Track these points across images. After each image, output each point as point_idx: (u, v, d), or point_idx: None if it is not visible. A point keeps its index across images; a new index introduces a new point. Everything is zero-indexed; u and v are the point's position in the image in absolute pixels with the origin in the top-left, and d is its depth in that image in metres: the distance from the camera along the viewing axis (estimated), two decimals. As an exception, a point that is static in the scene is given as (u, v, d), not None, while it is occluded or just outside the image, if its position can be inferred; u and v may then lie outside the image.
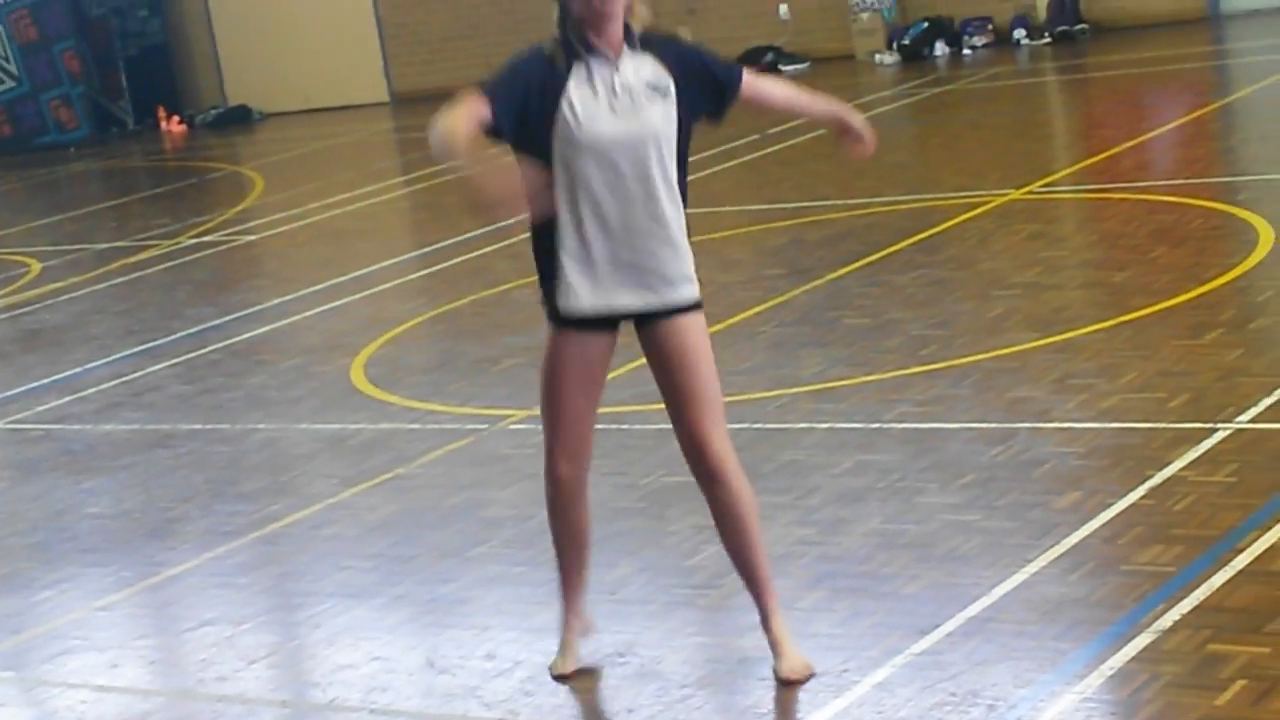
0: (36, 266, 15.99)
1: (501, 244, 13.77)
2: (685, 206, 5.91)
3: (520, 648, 6.40)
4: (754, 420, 8.58)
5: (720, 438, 5.90)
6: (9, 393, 11.42)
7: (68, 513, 8.85)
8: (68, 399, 11.02)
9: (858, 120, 6.04)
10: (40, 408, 10.89)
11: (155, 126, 26.07)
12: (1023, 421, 8.03)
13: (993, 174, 13.90)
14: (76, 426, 10.39)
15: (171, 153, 24.22)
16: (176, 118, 26.26)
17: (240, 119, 26.11)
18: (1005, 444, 7.77)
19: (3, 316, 13.99)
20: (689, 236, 5.95)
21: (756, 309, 10.69)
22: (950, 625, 6.03)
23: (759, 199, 14.35)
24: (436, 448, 8.93)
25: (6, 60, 26.26)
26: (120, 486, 9.13)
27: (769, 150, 16.43)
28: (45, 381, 11.52)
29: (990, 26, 21.90)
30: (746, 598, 6.20)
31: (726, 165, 15.96)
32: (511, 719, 5.88)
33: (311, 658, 6.69)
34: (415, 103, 24.61)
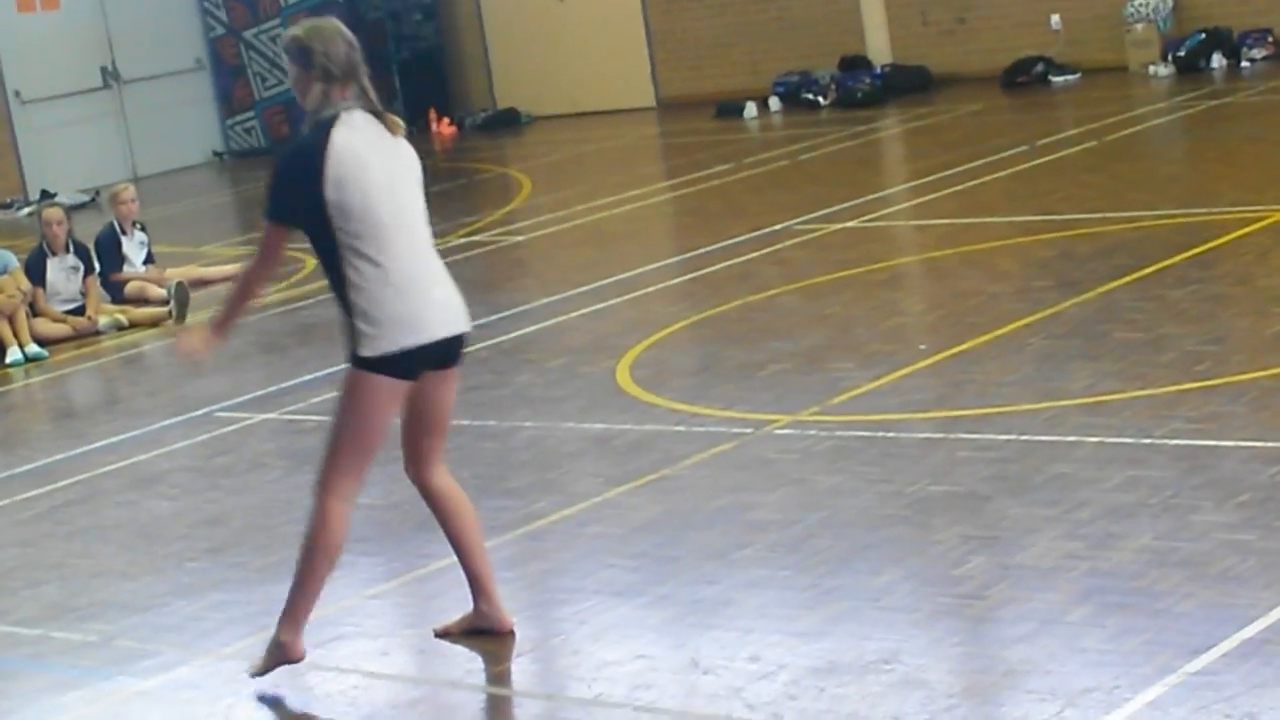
0: (311, 263, 16.31)
1: (768, 249, 13.79)
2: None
3: (784, 651, 6.39)
4: (1021, 432, 8.48)
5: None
6: (284, 385, 11.68)
7: (339, 503, 9.00)
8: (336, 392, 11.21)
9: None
10: (313, 399, 11.12)
11: (426, 129, 26.46)
12: (1302, 441, 7.84)
13: (1272, 189, 13.57)
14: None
15: (441, 154, 24.58)
16: (447, 120, 26.65)
17: (509, 122, 26.42)
18: (1283, 464, 7.59)
19: (278, 311, 14.31)
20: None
21: (1025, 320, 10.56)
22: (1225, 645, 5.90)
23: (1028, 210, 14.17)
24: (701, 450, 8.95)
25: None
26: (390, 479, 9.24)
27: (1038, 161, 16.23)
28: (318, 375, 11.76)
29: (1270, 39, 21.39)
30: (1013, 609, 6.14)
31: (995, 176, 15.80)
32: (783, 718, 5.88)
33: (576, 653, 6.74)
34: (682, 108, 24.71)
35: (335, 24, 6.64)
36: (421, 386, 6.63)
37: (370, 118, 6.61)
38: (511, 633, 6.89)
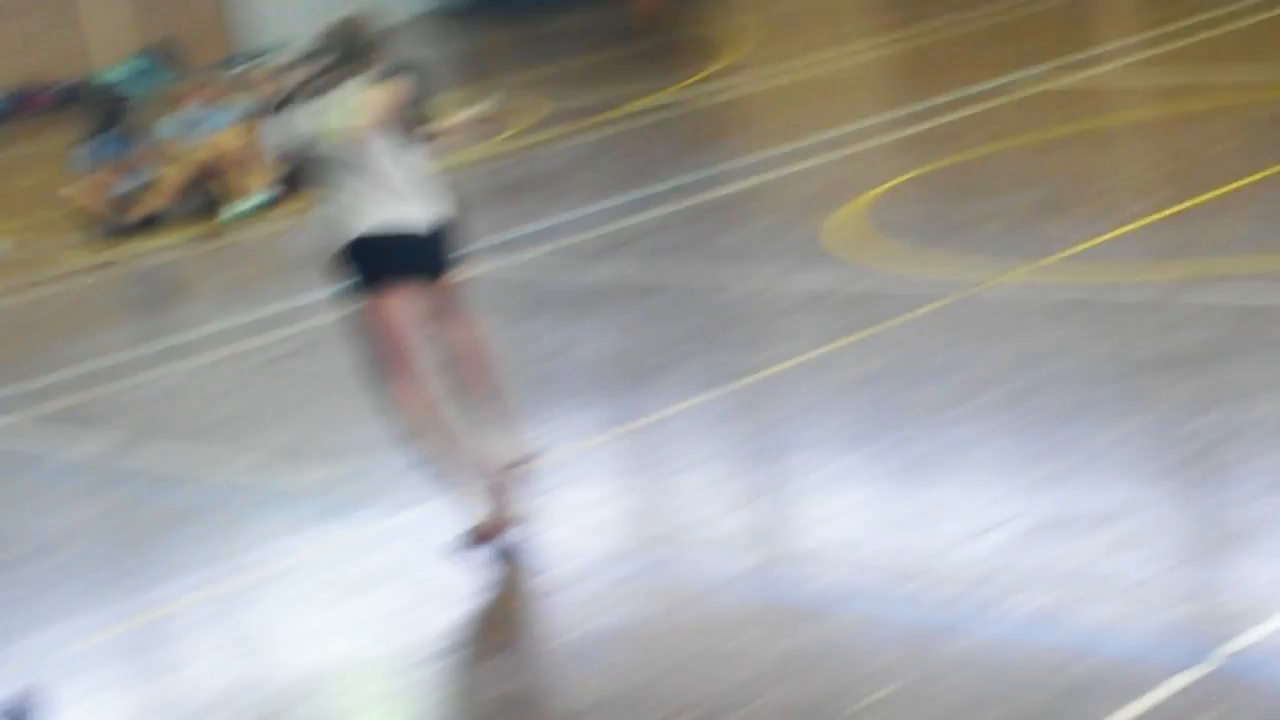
0: (525, 119, 16.38)
1: (991, 103, 13.58)
2: None
3: (1002, 508, 6.35)
4: (1245, 293, 8.31)
5: None
6: (503, 237, 11.76)
7: (554, 357, 9.10)
8: (554, 246, 11.30)
9: None
10: (526, 255, 11.20)
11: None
12: None
13: None
14: (564, 273, 10.66)
15: (655, 10, 24.44)
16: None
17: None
18: None
19: (493, 165, 14.39)
20: None
21: (1244, 180, 10.29)
22: None
23: (1244, 68, 13.80)
24: (916, 307, 8.88)
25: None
26: (608, 331, 9.34)
27: (1255, 19, 15.78)
28: (530, 229, 11.83)
29: None
30: (1240, 470, 6.06)
31: (1211, 34, 15.40)
32: (994, 577, 5.85)
33: (793, 507, 6.76)
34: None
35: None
36: None
37: None
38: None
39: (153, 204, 14.22)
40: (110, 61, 24.29)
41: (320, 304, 10.73)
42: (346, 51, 6.87)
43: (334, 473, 7.83)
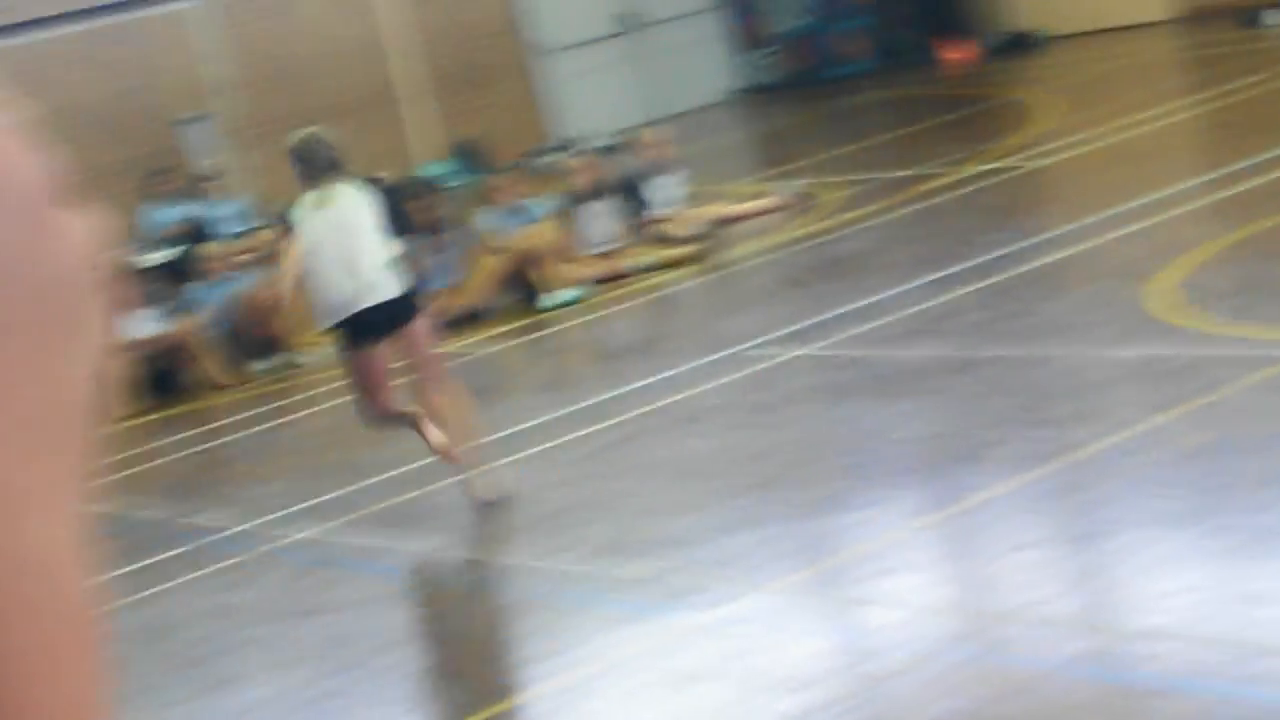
0: (835, 195, 16.43)
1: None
2: None
3: (1349, 581, 6.19)
4: None
5: None
6: (814, 320, 11.79)
7: (877, 435, 9.09)
8: (870, 325, 11.30)
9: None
10: (844, 334, 11.21)
11: (940, 54, 26.27)
12: None
13: None
14: (881, 352, 10.65)
15: (957, 79, 24.39)
16: (963, 44, 26.40)
17: (1027, 43, 26.03)
18: None
19: (804, 245, 14.45)
20: None
21: None
22: None
23: None
24: (1250, 373, 8.69)
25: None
26: (926, 411, 9.31)
27: None
28: (848, 309, 11.84)
29: None
30: None
31: None
32: (1344, 655, 5.70)
33: (1129, 584, 6.66)
34: (1202, 19, 23.94)
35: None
36: None
37: None
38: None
39: (473, 298, 14.53)
40: (427, 159, 24.96)
41: (637, 393, 10.88)
42: None
43: (659, 564, 7.91)
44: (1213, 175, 13.97)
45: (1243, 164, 13.75)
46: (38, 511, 0.74)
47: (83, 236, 0.78)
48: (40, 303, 0.75)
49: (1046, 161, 16.20)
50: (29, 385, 0.75)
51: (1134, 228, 12.46)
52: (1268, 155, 13.80)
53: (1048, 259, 12.16)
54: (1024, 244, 12.70)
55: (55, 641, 0.75)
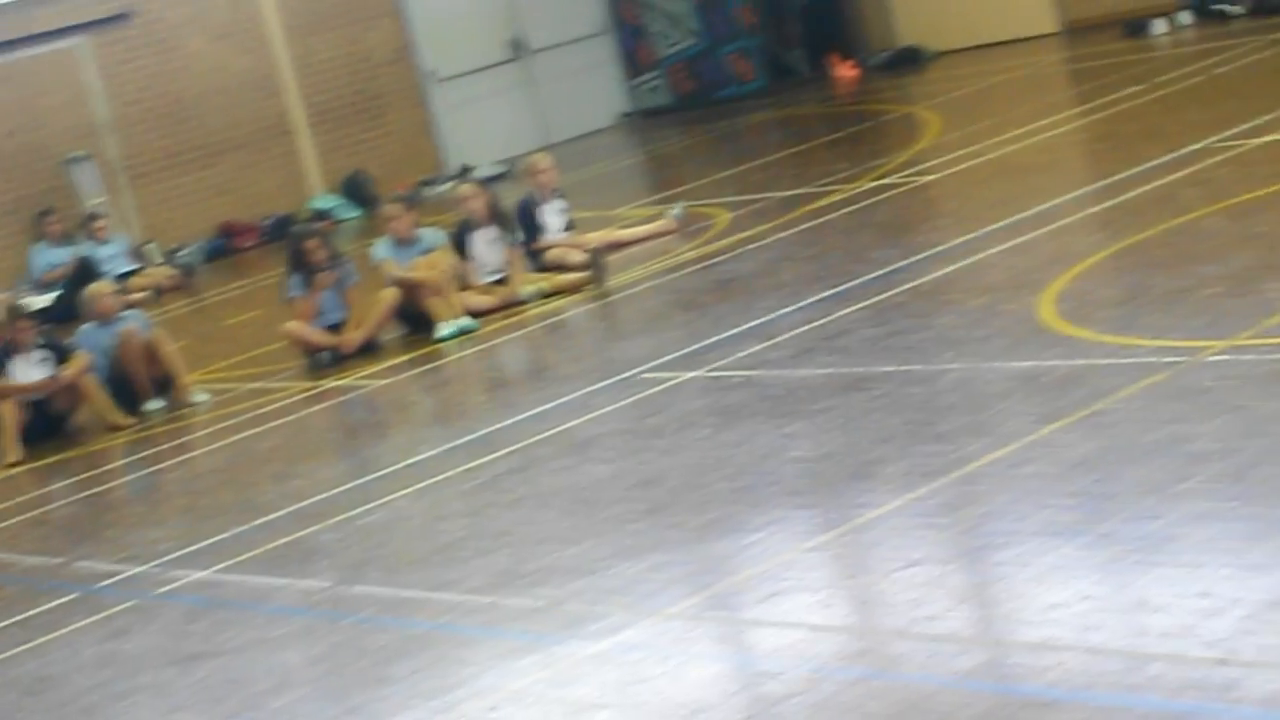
0: (725, 216, 16.44)
1: (1188, 170, 13.40)
2: None
3: (1235, 585, 6.22)
4: None
5: None
6: (706, 341, 11.78)
7: (771, 456, 9.08)
8: (761, 346, 11.29)
9: None
10: (737, 355, 11.20)
11: (828, 73, 26.38)
12: None
13: None
14: (774, 372, 10.65)
15: (845, 97, 24.50)
16: (849, 62, 26.52)
17: (911, 60, 26.17)
18: None
19: (695, 267, 14.44)
20: None
21: None
22: None
23: None
24: (1133, 382, 8.75)
25: (688, 19, 27.10)
26: (820, 430, 9.30)
27: None
28: (740, 329, 11.84)
29: None
30: None
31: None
32: (1232, 658, 5.71)
33: (1020, 596, 6.66)
34: (1087, 30, 24.16)
35: None
36: None
37: None
38: None
39: (366, 331, 14.44)
40: (321, 191, 24.82)
41: (530, 422, 10.84)
42: None
43: (553, 593, 7.86)
44: (1098, 186, 14.09)
45: (1127, 173, 13.87)
46: None
47: None
48: None
49: (935, 176, 16.29)
50: None
51: (1022, 240, 12.53)
52: (1152, 164, 13.91)
53: (938, 273, 12.21)
54: (914, 259, 12.75)
55: None
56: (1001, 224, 13.16)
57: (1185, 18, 22.82)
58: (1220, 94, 16.90)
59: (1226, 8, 22.33)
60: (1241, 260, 10.53)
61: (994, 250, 12.44)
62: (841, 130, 21.30)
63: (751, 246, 14.71)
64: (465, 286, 14.72)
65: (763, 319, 11.98)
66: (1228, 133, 14.46)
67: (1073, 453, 8.00)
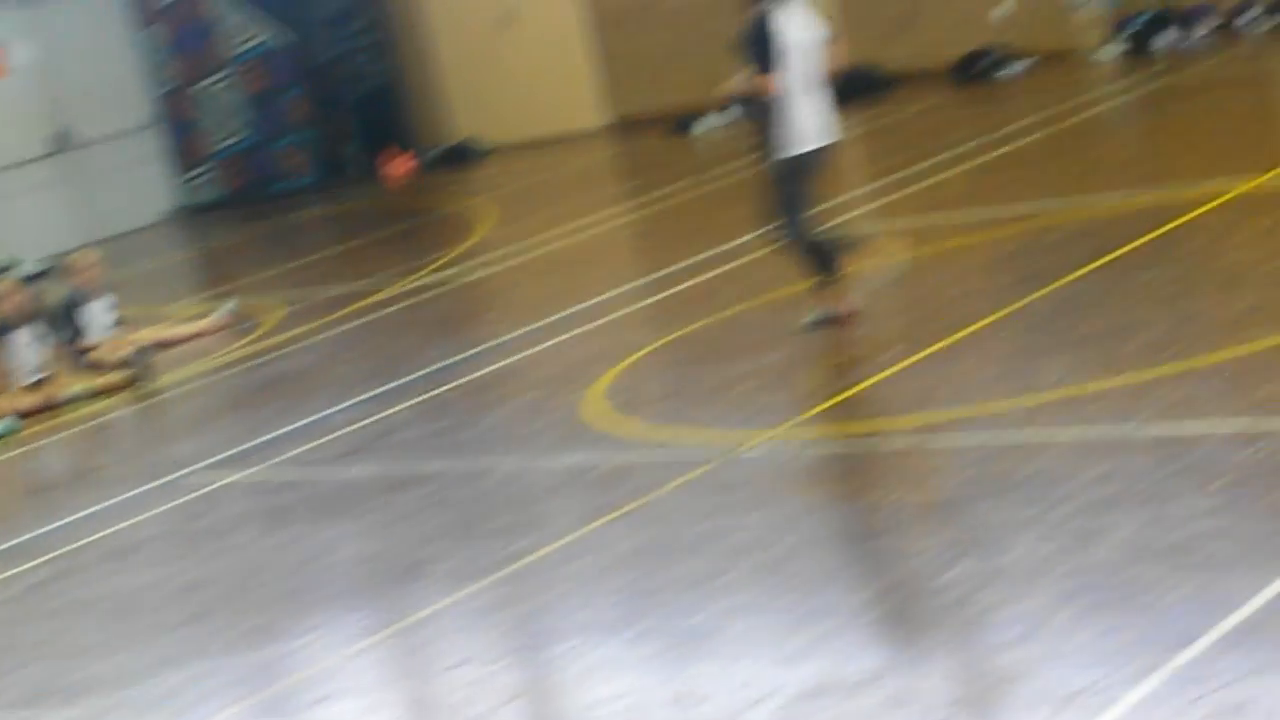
0: (277, 313, 16.26)
1: (731, 265, 13.74)
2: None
3: (774, 675, 6.33)
4: (996, 432, 8.44)
5: None
6: (254, 441, 11.59)
7: (316, 559, 8.96)
8: (310, 445, 11.17)
9: None
10: (287, 455, 11.05)
11: (383, 167, 26.40)
12: (1275, 419, 7.80)
13: (1228, 164, 13.57)
14: (321, 473, 10.53)
15: (401, 192, 24.53)
16: (404, 157, 26.57)
17: (466, 155, 26.38)
18: (1257, 444, 7.54)
19: (246, 365, 14.23)
20: None
21: (992, 318, 10.52)
22: (1212, 635, 5.85)
23: (990, 203, 14.15)
24: (677, 476, 8.89)
25: (240, 112, 26.85)
26: (368, 530, 9.22)
27: (994, 155, 16.21)
28: (290, 428, 11.69)
29: (1215, 12, 21.42)
30: (999, 614, 6.08)
31: (955, 171, 15.78)
32: (768, 751, 5.82)
33: (565, 695, 6.68)
34: (638, 126, 24.68)
35: None
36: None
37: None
38: None
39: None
40: None
41: (69, 528, 10.50)
42: None
43: (91, 707, 7.60)
44: (647, 280, 14.34)
45: (674, 268, 14.16)
46: None
47: None
48: None
49: (487, 272, 16.39)
50: None
51: (572, 334, 12.67)
52: (697, 258, 14.23)
53: (488, 369, 12.26)
54: (465, 355, 12.77)
55: None
56: (553, 318, 13.30)
57: (729, 116, 23.47)
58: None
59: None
60: (779, 354, 10.82)
61: (545, 345, 12.56)
62: (396, 225, 21.31)
63: (303, 344, 14.57)
64: (1, 390, 14.23)
65: (312, 418, 11.85)
66: (767, 228, 14.84)
67: (618, 548, 8.08)
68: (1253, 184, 12.59)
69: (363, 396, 12.13)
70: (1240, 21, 21.13)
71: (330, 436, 11.26)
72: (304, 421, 11.81)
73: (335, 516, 9.57)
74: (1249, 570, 6.29)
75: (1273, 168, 13.03)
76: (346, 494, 9.97)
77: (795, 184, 11.16)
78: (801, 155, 11.12)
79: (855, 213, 15.19)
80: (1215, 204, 12.15)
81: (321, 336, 14.74)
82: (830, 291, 11.18)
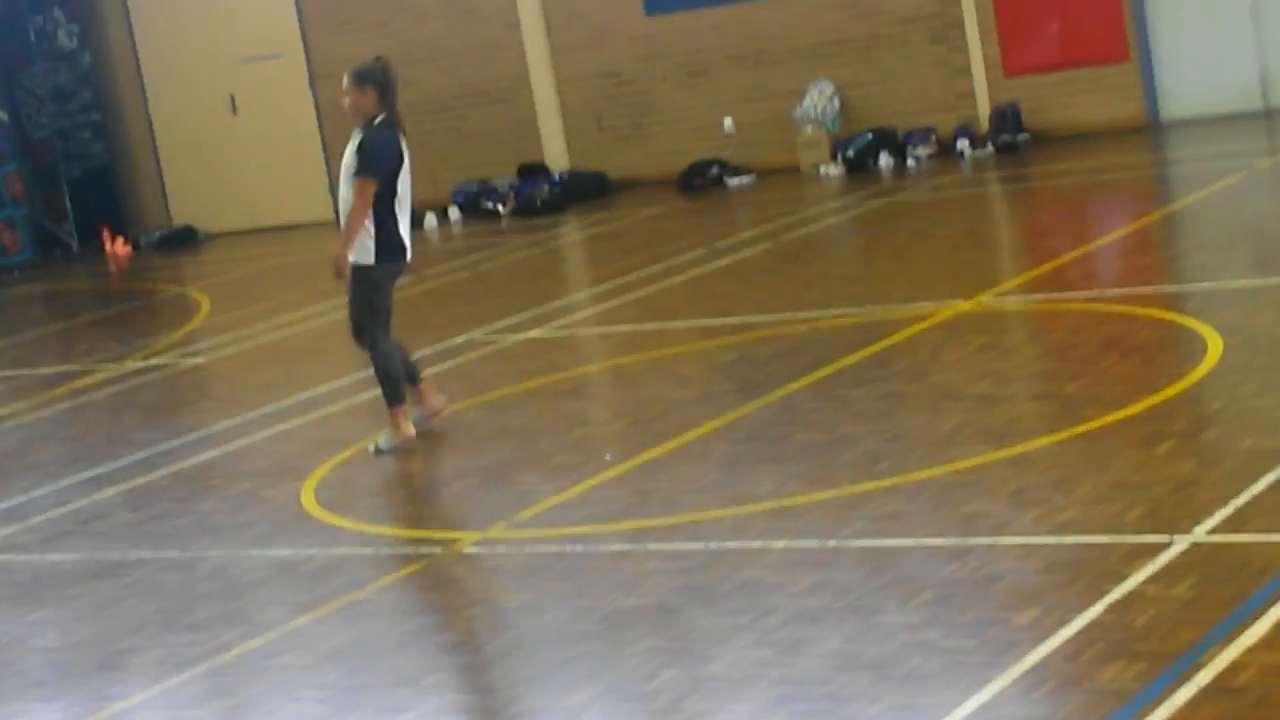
0: (-21, 393, 15.85)
1: (450, 363, 13.74)
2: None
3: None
4: (709, 540, 8.52)
5: None
6: (-46, 523, 11.27)
7: (14, 646, 8.73)
8: (13, 528, 10.89)
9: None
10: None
11: (100, 249, 25.97)
12: (980, 536, 7.99)
13: (941, 285, 13.93)
14: (22, 557, 10.27)
15: (116, 275, 24.12)
16: (121, 239, 26.17)
17: (185, 240, 26.05)
18: (962, 560, 7.72)
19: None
20: None
21: (709, 426, 10.65)
22: (914, 748, 5.97)
23: (708, 313, 14.35)
24: (390, 572, 8.84)
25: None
26: (68, 618, 9.01)
27: (717, 264, 16.46)
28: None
29: (934, 137, 22.03)
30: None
31: (675, 280, 15.97)
32: None
33: (265, 793, 6.58)
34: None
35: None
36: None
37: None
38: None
39: None
40: None
41: None
42: None
43: None
44: (364, 374, 14.22)
45: (394, 363, 14.05)
46: None
47: None
48: None
49: (203, 359, 16.18)
50: None
51: (288, 426, 12.55)
52: (417, 355, 14.14)
53: (202, 457, 12.07)
54: (178, 442, 12.57)
55: None
56: (268, 409, 13.16)
57: (455, 214, 23.53)
58: (484, 289, 17.46)
59: (491, 205, 23.18)
60: (498, 453, 10.82)
61: (260, 436, 12.41)
62: (111, 308, 20.96)
63: (8, 425, 14.22)
64: None
65: (15, 501, 11.56)
66: (490, 327, 14.92)
67: (327, 643, 7.99)
68: (963, 306, 12.94)
69: (69, 480, 11.87)
70: (957, 147, 21.74)
71: (33, 520, 10.99)
72: (7, 504, 11.51)
73: (34, 603, 9.34)
74: (950, 685, 6.43)
75: (981, 290, 13.40)
76: (47, 580, 9.73)
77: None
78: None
79: (577, 315, 15.31)
80: (926, 325, 12.46)
81: (29, 417, 14.41)
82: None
